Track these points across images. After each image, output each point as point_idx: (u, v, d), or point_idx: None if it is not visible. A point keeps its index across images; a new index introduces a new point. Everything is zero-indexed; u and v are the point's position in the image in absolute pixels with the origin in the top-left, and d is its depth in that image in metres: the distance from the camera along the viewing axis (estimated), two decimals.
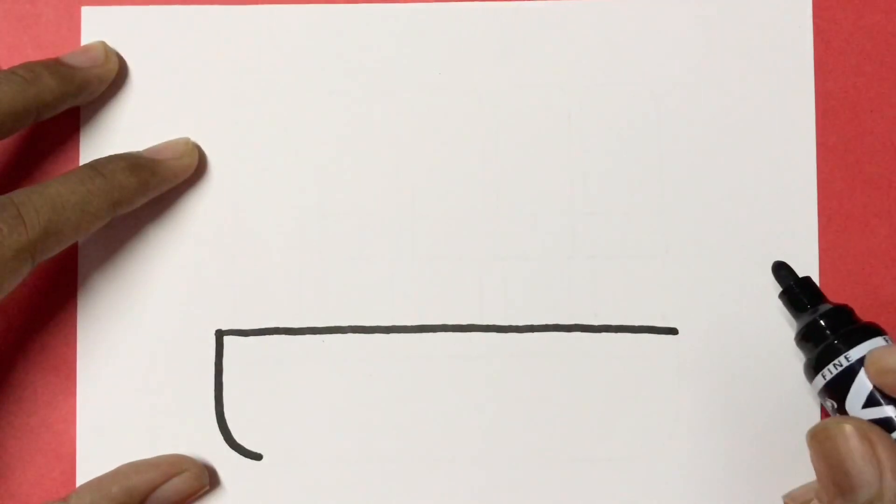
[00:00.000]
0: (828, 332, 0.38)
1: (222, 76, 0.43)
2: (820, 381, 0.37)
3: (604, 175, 0.42)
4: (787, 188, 0.42)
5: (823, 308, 0.39)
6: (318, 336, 0.42)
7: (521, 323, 0.42)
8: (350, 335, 0.42)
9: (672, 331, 0.42)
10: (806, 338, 0.38)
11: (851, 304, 0.39)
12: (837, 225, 0.42)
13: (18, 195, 0.38)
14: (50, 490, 0.42)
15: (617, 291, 0.42)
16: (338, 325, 0.42)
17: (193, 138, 0.42)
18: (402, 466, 0.42)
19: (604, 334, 0.42)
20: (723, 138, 0.42)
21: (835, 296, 0.41)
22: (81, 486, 0.40)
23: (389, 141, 0.43)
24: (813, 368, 0.38)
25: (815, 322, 0.38)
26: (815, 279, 0.42)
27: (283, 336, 0.42)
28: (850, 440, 0.31)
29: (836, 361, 0.37)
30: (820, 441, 0.32)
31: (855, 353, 0.36)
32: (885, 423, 0.34)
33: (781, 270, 0.40)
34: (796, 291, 0.39)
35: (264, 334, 0.42)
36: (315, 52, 0.43)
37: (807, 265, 0.42)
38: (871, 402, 0.35)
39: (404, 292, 0.42)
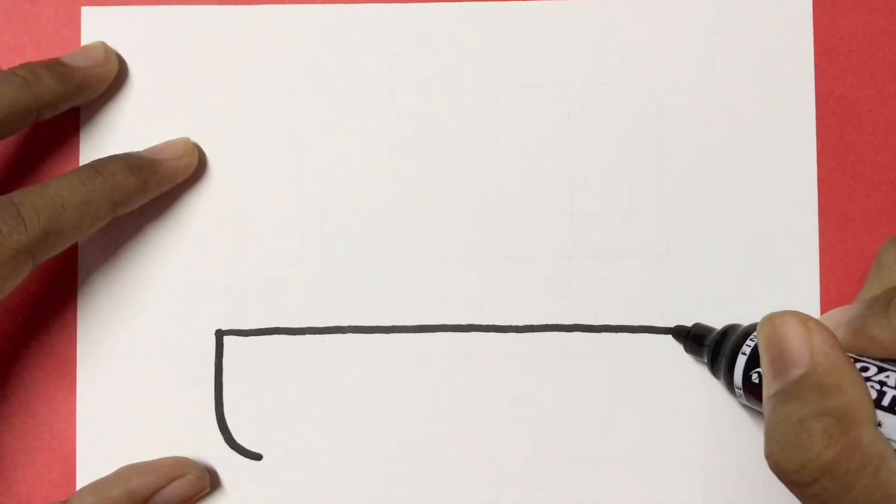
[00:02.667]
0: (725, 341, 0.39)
1: (222, 76, 0.43)
2: (752, 377, 0.37)
3: (604, 175, 0.42)
4: (787, 188, 0.42)
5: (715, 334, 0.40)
6: (318, 336, 0.42)
7: (521, 323, 0.42)
8: (350, 335, 0.42)
9: (671, 331, 0.42)
10: (714, 358, 0.39)
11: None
12: (837, 225, 0.42)
13: (18, 195, 0.38)
14: (50, 490, 0.42)
15: (617, 292, 0.42)
16: (338, 325, 0.42)
17: (193, 138, 0.43)
18: (402, 466, 0.42)
19: (604, 334, 0.42)
20: (723, 138, 0.42)
21: (835, 296, 0.42)
22: (82, 489, 0.40)
23: (389, 141, 0.43)
24: (740, 375, 0.38)
25: (715, 342, 0.39)
26: (816, 279, 0.42)
27: (283, 336, 0.42)
28: (789, 324, 0.33)
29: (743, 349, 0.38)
30: (764, 327, 0.34)
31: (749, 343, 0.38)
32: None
33: (678, 332, 0.42)
34: (698, 333, 0.41)
35: (264, 334, 0.42)
36: (315, 52, 0.43)
37: (807, 265, 0.42)
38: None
39: (404, 292, 0.42)
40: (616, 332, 0.42)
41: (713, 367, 0.40)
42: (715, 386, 0.42)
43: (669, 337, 0.42)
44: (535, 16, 0.43)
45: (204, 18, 0.43)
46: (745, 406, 0.41)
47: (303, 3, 0.43)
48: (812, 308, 0.42)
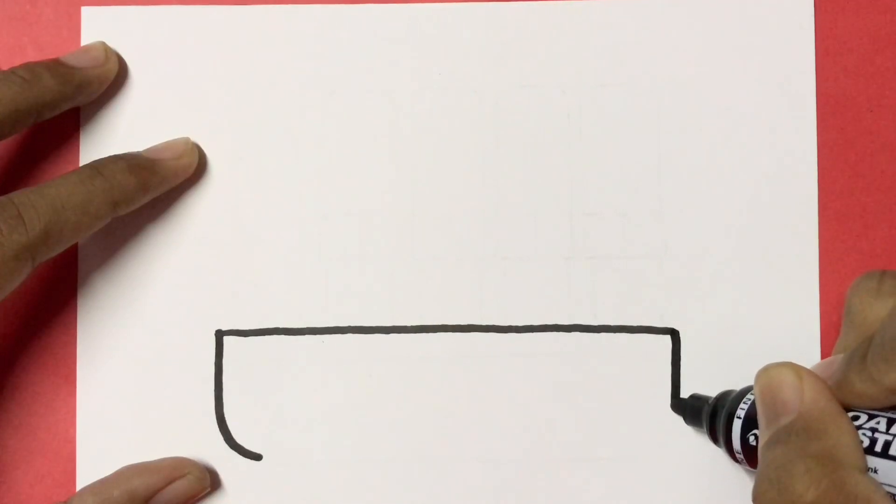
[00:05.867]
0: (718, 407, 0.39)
1: (222, 76, 0.43)
2: (749, 440, 0.37)
3: (603, 175, 0.42)
4: (787, 188, 0.42)
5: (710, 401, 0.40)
6: (318, 336, 0.42)
7: (520, 323, 0.42)
8: (350, 335, 0.42)
9: (671, 331, 0.42)
10: (712, 427, 0.39)
11: None
12: (837, 225, 0.42)
13: (18, 196, 0.38)
14: (50, 490, 0.42)
15: (616, 292, 0.42)
16: (338, 325, 0.42)
17: (193, 138, 0.43)
18: (402, 466, 0.42)
19: (603, 334, 0.42)
20: (723, 138, 0.42)
21: (835, 296, 0.42)
22: (83, 489, 0.40)
23: (389, 141, 0.43)
24: (737, 434, 0.37)
25: (712, 410, 0.39)
26: (815, 279, 0.42)
27: (283, 336, 0.42)
28: (782, 374, 0.34)
29: (738, 413, 0.37)
30: (760, 378, 0.35)
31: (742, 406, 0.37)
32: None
33: (677, 405, 0.42)
34: (695, 405, 0.40)
35: (264, 334, 0.42)
36: (315, 52, 0.43)
37: (807, 265, 0.42)
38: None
39: (404, 292, 0.42)
40: (615, 332, 0.42)
41: (713, 437, 0.39)
42: (714, 386, 0.42)
43: (668, 337, 0.42)
44: (535, 16, 0.43)
45: (204, 18, 0.43)
46: (749, 472, 0.41)
47: (303, 4, 0.43)
48: (811, 309, 0.42)
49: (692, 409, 0.40)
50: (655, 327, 0.42)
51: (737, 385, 0.39)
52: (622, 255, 0.42)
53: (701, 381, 0.42)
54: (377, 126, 0.43)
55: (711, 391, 0.41)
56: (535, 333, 0.42)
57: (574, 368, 0.42)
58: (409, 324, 0.42)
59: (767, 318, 0.42)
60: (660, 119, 0.43)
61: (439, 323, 0.42)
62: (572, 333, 0.42)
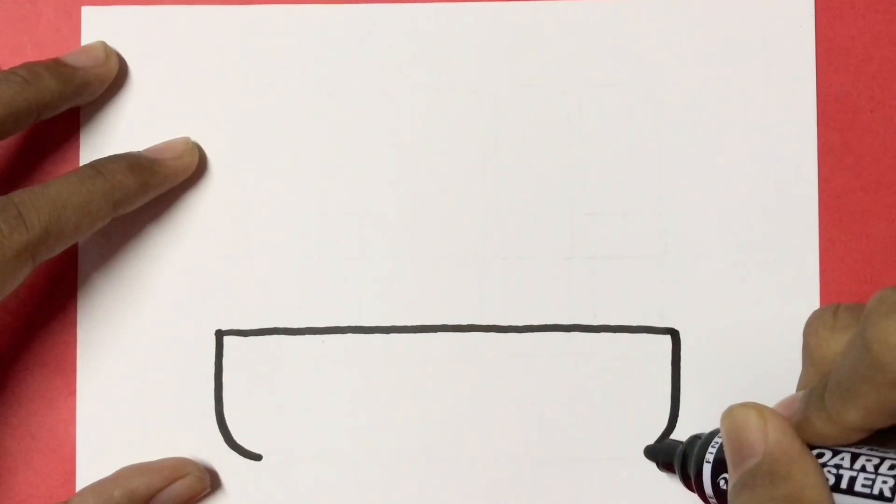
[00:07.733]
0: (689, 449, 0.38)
1: (222, 76, 0.43)
2: (720, 484, 0.36)
3: (603, 175, 0.42)
4: (787, 188, 0.42)
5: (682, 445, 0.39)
6: (318, 336, 0.42)
7: (520, 323, 0.42)
8: (350, 335, 0.42)
9: (671, 331, 0.42)
10: (685, 473, 0.38)
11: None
12: (837, 225, 0.42)
13: (19, 195, 0.38)
14: (50, 490, 0.42)
15: (616, 292, 0.42)
16: (338, 325, 0.42)
17: (193, 138, 0.43)
18: (402, 466, 0.42)
19: (602, 334, 0.42)
20: (723, 138, 0.42)
21: (835, 296, 0.42)
22: (83, 490, 0.40)
23: (389, 141, 0.43)
24: (708, 475, 0.37)
25: (682, 454, 0.39)
26: (816, 279, 0.42)
27: (283, 336, 0.42)
28: (747, 415, 0.33)
29: (706, 458, 0.37)
30: (725, 420, 0.34)
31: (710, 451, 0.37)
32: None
33: (650, 451, 0.41)
34: (667, 450, 0.40)
35: (264, 334, 0.42)
36: (315, 52, 0.43)
37: (807, 265, 0.42)
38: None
39: (404, 292, 0.42)
40: (615, 332, 0.42)
41: (686, 483, 0.38)
42: (714, 386, 0.42)
43: (668, 337, 0.42)
44: (535, 16, 0.43)
45: (204, 18, 0.43)
46: None
47: (303, 3, 0.43)
48: (811, 309, 0.42)
49: (664, 455, 0.40)
50: (655, 327, 0.42)
51: (735, 387, 0.39)
52: (622, 255, 0.42)
53: (701, 381, 0.42)
54: (377, 126, 0.43)
55: (711, 391, 0.41)
56: (535, 333, 0.42)
57: (574, 368, 0.42)
58: (409, 324, 0.42)
59: (767, 318, 0.42)
60: (660, 119, 0.43)
61: (439, 323, 0.42)
62: (572, 333, 0.42)
